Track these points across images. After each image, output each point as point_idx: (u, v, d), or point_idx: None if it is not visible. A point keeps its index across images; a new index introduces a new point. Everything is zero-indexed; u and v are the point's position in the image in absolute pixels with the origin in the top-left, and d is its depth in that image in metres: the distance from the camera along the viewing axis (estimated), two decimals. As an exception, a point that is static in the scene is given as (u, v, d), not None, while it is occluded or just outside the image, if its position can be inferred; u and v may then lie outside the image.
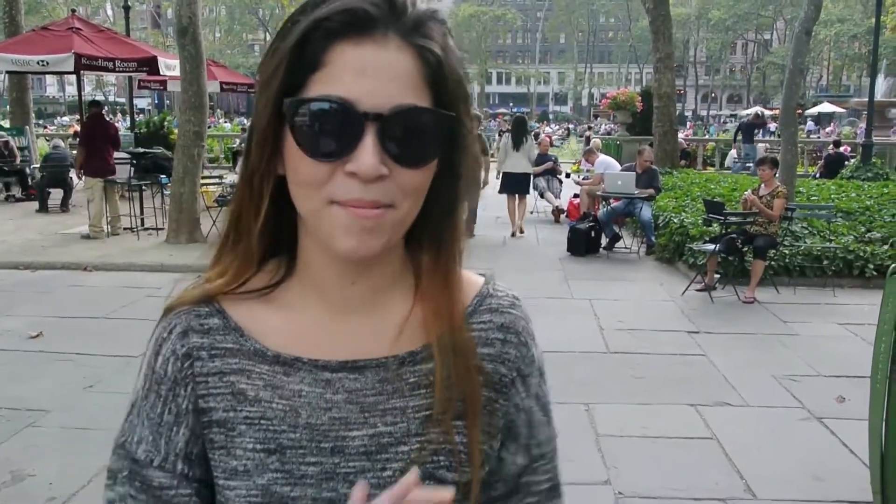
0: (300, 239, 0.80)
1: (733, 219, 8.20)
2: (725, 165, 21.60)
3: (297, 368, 0.79)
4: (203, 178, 11.38)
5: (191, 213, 10.31)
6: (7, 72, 13.68)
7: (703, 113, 75.36)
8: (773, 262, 8.40)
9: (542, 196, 13.50)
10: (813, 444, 4.53)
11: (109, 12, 61.07)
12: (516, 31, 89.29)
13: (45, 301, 7.57)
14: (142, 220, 11.49)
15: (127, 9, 18.57)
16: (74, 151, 13.25)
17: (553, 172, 13.67)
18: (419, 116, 0.71)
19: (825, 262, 8.55)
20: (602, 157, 12.74)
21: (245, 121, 38.16)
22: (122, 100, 52.65)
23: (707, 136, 35.98)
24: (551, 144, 17.53)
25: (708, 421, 4.80)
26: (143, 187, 11.85)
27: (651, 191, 10.52)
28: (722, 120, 66.66)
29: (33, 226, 11.90)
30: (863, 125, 23.60)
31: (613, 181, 10.67)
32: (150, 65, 12.01)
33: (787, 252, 8.60)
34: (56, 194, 13.64)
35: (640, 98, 18.14)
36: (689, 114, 70.04)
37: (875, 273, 8.41)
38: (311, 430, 0.78)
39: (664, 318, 7.27)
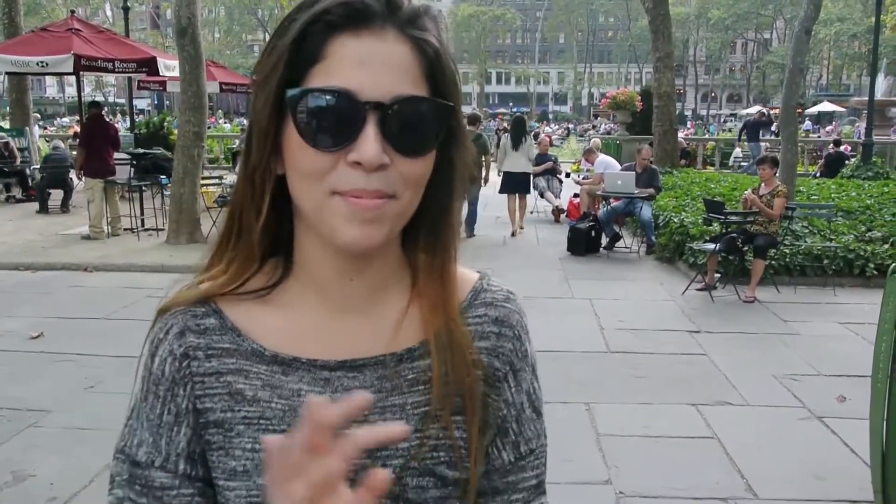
0: (298, 238, 0.81)
1: (733, 218, 8.20)
2: (730, 164, 21.48)
3: (295, 368, 0.79)
4: (203, 178, 11.38)
5: (191, 213, 10.31)
6: (6, 73, 13.69)
7: (703, 112, 75.33)
8: (773, 262, 8.40)
9: (541, 196, 13.50)
10: (814, 444, 4.53)
11: (108, 13, 61.09)
12: (516, 30, 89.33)
13: (45, 302, 7.57)
14: (142, 220, 11.49)
15: (126, 10, 18.59)
16: (74, 152, 13.25)
17: (553, 172, 13.68)
18: (419, 106, 0.72)
19: (826, 262, 8.55)
20: (602, 157, 12.75)
21: (245, 121, 38.08)
22: (122, 100, 52.63)
23: (707, 136, 35.95)
24: (551, 144, 17.51)
25: (709, 420, 4.80)
26: (143, 188, 11.85)
27: (651, 190, 10.51)
28: (722, 119, 66.68)
29: (33, 227, 11.89)
30: (861, 124, 23.62)
31: (613, 181, 10.68)
32: (149, 65, 12.02)
33: (787, 251, 8.60)
34: (56, 195, 13.64)
35: (639, 98, 18.15)
36: (688, 113, 70.03)
37: (875, 272, 8.41)
38: None
39: (665, 317, 7.27)
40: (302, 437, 0.58)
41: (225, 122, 40.13)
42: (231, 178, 11.56)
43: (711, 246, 8.18)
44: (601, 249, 10.52)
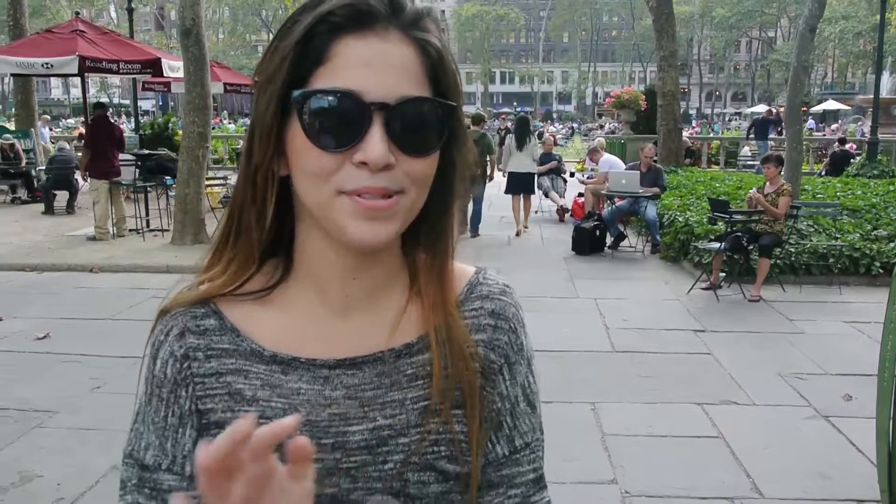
0: (299, 238, 0.81)
1: (738, 217, 8.19)
2: (738, 163, 21.36)
3: (294, 367, 0.80)
4: (208, 179, 11.39)
5: (196, 214, 10.33)
6: (12, 74, 13.73)
7: (708, 111, 75.19)
8: (778, 261, 8.38)
9: (546, 195, 13.50)
10: (820, 443, 4.52)
11: (113, 14, 61.26)
12: (519, 30, 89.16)
13: (51, 302, 7.59)
14: (147, 221, 11.51)
15: (130, 11, 18.62)
16: (79, 153, 13.29)
17: (557, 171, 13.67)
18: (423, 106, 0.73)
19: (831, 260, 8.53)
20: (606, 156, 12.75)
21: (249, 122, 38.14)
22: (127, 102, 52.76)
23: (712, 135, 35.88)
24: (555, 143, 17.51)
25: (714, 420, 4.79)
26: (148, 189, 11.88)
27: (656, 189, 10.50)
28: (726, 118, 66.56)
29: (39, 228, 11.93)
30: (867, 122, 23.52)
31: (618, 180, 10.67)
32: (153, 66, 12.04)
33: (792, 250, 8.58)
34: (62, 196, 13.69)
35: (643, 97, 18.14)
36: (693, 112, 69.90)
37: (881, 271, 8.40)
38: (311, 427, 0.78)
39: (670, 316, 7.26)
40: (220, 450, 0.58)
41: (229, 123, 40.20)
42: (236, 178, 11.55)
43: (716, 245, 8.17)
44: (606, 249, 10.51)
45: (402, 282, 0.84)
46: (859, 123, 32.52)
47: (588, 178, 13.58)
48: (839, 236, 8.93)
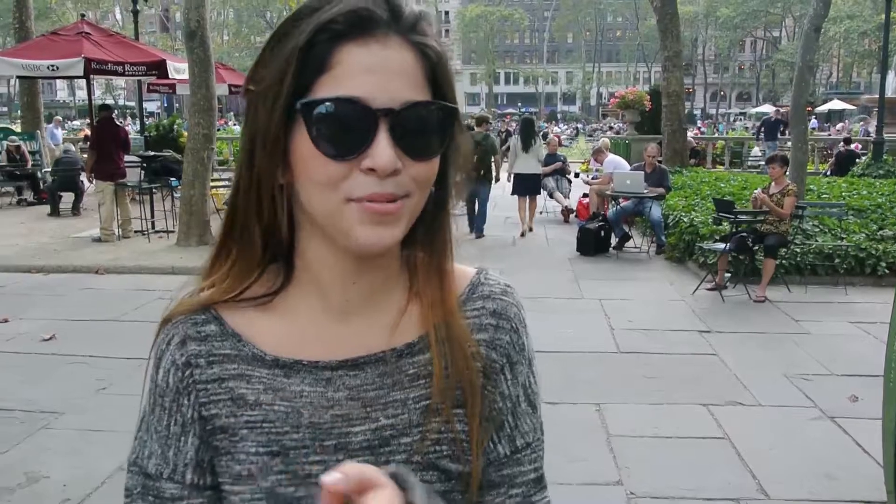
0: (301, 243, 0.81)
1: (744, 217, 8.17)
2: (749, 164, 21.26)
3: (296, 370, 0.80)
4: (213, 180, 11.41)
5: (201, 215, 10.34)
6: (18, 77, 13.77)
7: (713, 111, 75.07)
8: (784, 261, 8.36)
9: (551, 196, 13.49)
10: (826, 444, 4.50)
11: (118, 17, 61.38)
12: (523, 31, 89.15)
13: (57, 304, 7.61)
14: (152, 223, 11.54)
15: (136, 13, 18.69)
16: (85, 155, 13.32)
17: (562, 172, 13.67)
18: (426, 110, 0.74)
19: (837, 261, 8.51)
20: (611, 157, 12.73)
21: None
22: (132, 103, 52.91)
23: (717, 135, 35.80)
24: (560, 144, 17.47)
25: (720, 420, 4.78)
26: (154, 190, 11.91)
27: (661, 190, 10.49)
28: (731, 118, 66.45)
29: (45, 229, 11.96)
30: (873, 122, 23.41)
31: (622, 180, 10.65)
32: (159, 68, 12.06)
33: (798, 250, 8.57)
34: (67, 198, 13.72)
35: (648, 97, 18.08)
36: (697, 112, 69.78)
37: (887, 271, 8.38)
38: (314, 429, 0.78)
39: (675, 317, 7.25)
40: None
41: (234, 125, 40.26)
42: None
43: (722, 245, 8.16)
44: (611, 249, 10.50)
45: (402, 283, 0.85)
46: (861, 123, 32.39)
47: (593, 178, 13.57)
48: (845, 236, 8.90)
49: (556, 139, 16.32)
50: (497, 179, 11.96)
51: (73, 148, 15.68)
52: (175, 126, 17.91)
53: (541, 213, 13.22)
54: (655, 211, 10.27)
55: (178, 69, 12.14)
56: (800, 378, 5.55)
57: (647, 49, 69.01)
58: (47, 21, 38.53)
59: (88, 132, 16.68)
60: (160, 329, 0.83)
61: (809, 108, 24.14)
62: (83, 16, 14.99)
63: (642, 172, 10.59)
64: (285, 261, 0.83)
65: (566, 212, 13.39)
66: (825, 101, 49.22)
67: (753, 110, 57.04)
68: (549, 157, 13.26)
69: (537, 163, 12.03)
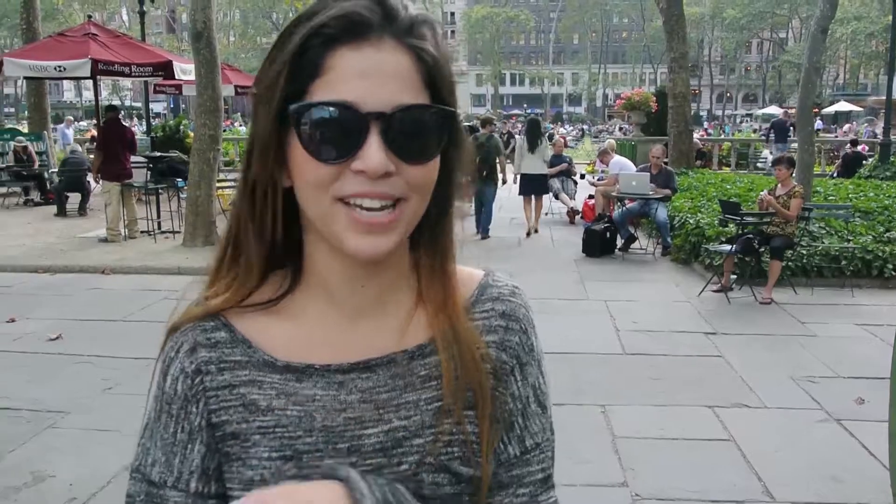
0: (307, 247, 0.81)
1: (750, 219, 8.15)
2: (759, 166, 21.15)
3: (308, 374, 0.80)
4: (219, 181, 11.43)
5: (207, 216, 10.37)
6: (25, 77, 13.82)
7: (719, 112, 74.92)
8: (790, 263, 8.34)
9: (556, 197, 13.49)
10: (831, 446, 4.49)
11: (125, 18, 61.60)
12: (529, 32, 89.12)
13: (63, 304, 7.64)
14: (158, 223, 11.57)
15: (142, 14, 18.73)
16: (91, 156, 13.36)
17: (568, 173, 13.67)
18: (420, 114, 0.74)
19: (843, 263, 8.48)
20: (617, 158, 12.72)
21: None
22: (138, 104, 53.04)
23: (723, 136, 35.74)
24: (566, 145, 17.47)
25: (725, 422, 4.77)
26: (160, 191, 11.94)
27: (667, 191, 10.47)
28: (738, 120, 66.28)
29: (52, 229, 12.01)
30: (880, 123, 23.34)
31: (628, 182, 10.64)
32: (165, 69, 12.09)
33: (804, 252, 8.54)
34: (74, 198, 13.78)
35: (654, 98, 18.05)
36: (704, 113, 69.65)
37: (894, 273, 8.35)
38: (327, 432, 0.78)
39: (680, 319, 7.24)
40: None
41: (241, 125, 40.33)
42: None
43: (727, 247, 8.14)
44: (616, 251, 10.49)
45: (410, 285, 0.85)
46: (865, 125, 32.29)
47: (598, 179, 13.55)
48: (851, 238, 8.87)
49: (562, 140, 16.31)
50: (504, 181, 11.99)
51: (79, 148, 15.73)
52: (181, 127, 17.96)
53: (546, 214, 13.22)
54: (661, 212, 10.25)
55: (185, 70, 12.17)
56: (806, 380, 5.53)
57: (653, 50, 68.92)
58: (54, 22, 38.65)
59: (95, 133, 16.75)
60: (167, 338, 0.83)
61: (816, 110, 24.06)
62: (90, 17, 15.07)
63: (648, 174, 10.58)
64: (294, 265, 0.83)
65: (572, 213, 13.38)
66: (832, 103, 49.10)
67: (760, 112, 56.90)
68: (555, 158, 13.26)
69: (543, 163, 12.07)
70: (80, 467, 4.10)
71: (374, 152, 0.71)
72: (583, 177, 15.21)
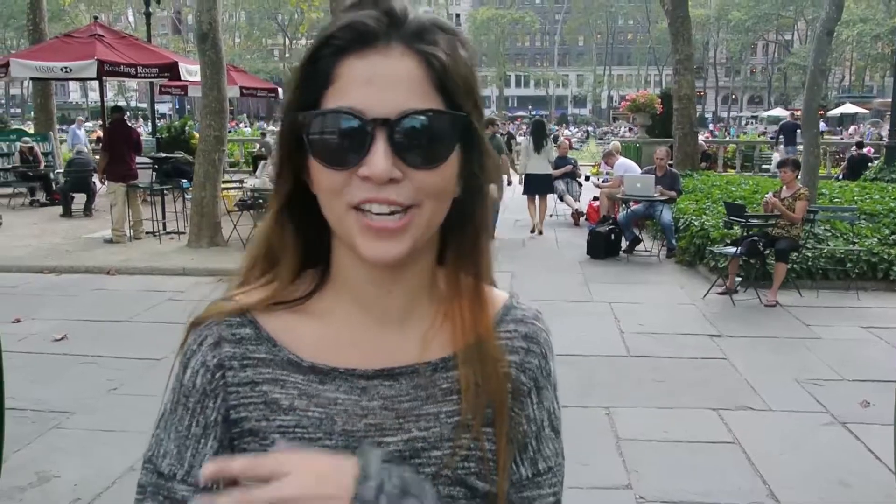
0: (334, 250, 0.82)
1: (755, 221, 8.14)
2: (770, 170, 21.03)
3: (332, 377, 0.81)
4: (224, 182, 11.46)
5: (212, 217, 10.39)
6: (31, 78, 13.86)
7: (724, 115, 74.79)
8: (795, 265, 8.32)
9: (561, 199, 13.50)
10: (837, 449, 4.48)
11: (131, 19, 61.69)
12: (534, 33, 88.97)
13: (69, 304, 7.65)
14: (163, 224, 11.60)
15: (148, 15, 18.77)
16: (97, 156, 13.39)
17: (572, 175, 13.66)
18: (427, 119, 0.73)
19: (848, 265, 8.46)
20: (621, 160, 12.71)
21: (265, 125, 38.43)
22: (144, 105, 53.15)
23: (728, 138, 35.66)
24: (570, 147, 17.46)
25: (730, 425, 4.76)
26: (165, 192, 11.97)
27: (672, 193, 10.45)
28: (743, 122, 66.15)
29: (57, 230, 12.04)
30: (885, 125, 23.25)
31: (633, 184, 10.63)
32: (171, 70, 12.12)
33: (809, 255, 8.52)
34: (79, 199, 13.81)
35: (659, 100, 18.04)
36: (709, 115, 69.52)
37: (900, 276, 8.31)
38: (347, 437, 0.79)
39: (685, 321, 7.22)
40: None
41: (245, 127, 40.40)
42: (251, 181, 11.64)
43: (732, 249, 8.12)
44: (621, 253, 10.47)
45: (440, 297, 0.85)
46: (868, 127, 32.18)
47: (603, 181, 13.54)
48: (857, 241, 8.85)
49: (567, 142, 16.32)
50: (510, 183, 12.02)
51: (85, 149, 15.78)
52: (186, 128, 18.01)
53: (551, 216, 13.22)
54: (666, 214, 10.25)
55: (190, 71, 12.20)
56: (811, 383, 5.51)
57: (659, 52, 68.84)
58: (61, 23, 38.75)
59: (101, 134, 16.79)
60: (189, 331, 0.84)
61: (822, 112, 23.97)
62: (96, 18, 15.07)
63: (653, 176, 10.57)
64: (324, 264, 0.84)
65: (576, 215, 13.37)
66: (837, 105, 48.99)
67: (765, 114, 56.80)
68: (560, 159, 13.30)
69: (548, 164, 12.14)
70: (85, 468, 4.11)
71: (378, 158, 0.71)
72: (587, 178, 15.20)
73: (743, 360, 5.99)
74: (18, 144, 15.32)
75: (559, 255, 10.64)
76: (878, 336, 6.67)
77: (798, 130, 20.63)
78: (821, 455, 4.39)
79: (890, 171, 16.61)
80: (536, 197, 12.04)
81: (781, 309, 7.62)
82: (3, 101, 60.62)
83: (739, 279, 8.25)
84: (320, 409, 0.79)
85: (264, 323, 0.82)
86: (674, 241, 10.19)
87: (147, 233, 11.35)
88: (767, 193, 8.50)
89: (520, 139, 16.70)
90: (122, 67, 11.60)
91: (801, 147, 19.60)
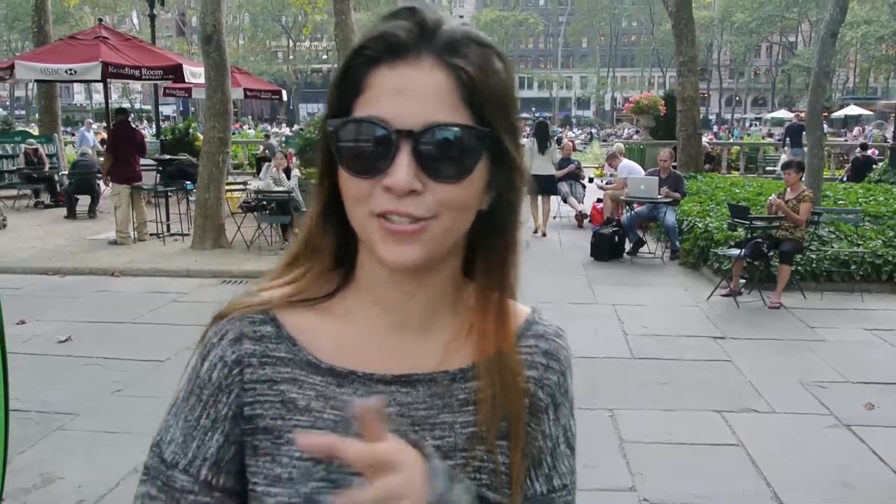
0: (359, 253, 0.83)
1: (759, 223, 8.13)
2: (776, 172, 20.98)
3: (350, 381, 0.81)
4: (228, 184, 11.48)
5: (215, 218, 10.41)
6: (36, 80, 13.91)
7: (728, 116, 74.70)
8: (799, 267, 8.31)
9: (564, 201, 13.50)
10: (841, 452, 4.47)
11: (135, 21, 61.84)
12: (538, 35, 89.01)
13: (73, 306, 7.67)
14: (167, 225, 11.62)
15: (153, 17, 18.81)
16: (101, 158, 13.43)
17: (576, 177, 13.66)
18: (451, 133, 0.73)
19: (853, 267, 8.45)
20: (625, 162, 12.70)
21: (269, 127, 38.47)
22: (148, 107, 53.23)
23: (732, 140, 35.64)
24: (574, 149, 17.45)
25: (734, 427, 4.75)
26: (169, 193, 11.99)
27: (676, 195, 10.45)
28: (747, 123, 66.07)
29: (62, 232, 12.07)
30: (883, 128, 23.22)
31: (637, 186, 10.63)
32: (175, 72, 12.14)
33: (813, 257, 8.51)
34: (84, 201, 13.86)
35: (663, 102, 18.01)
36: (713, 117, 69.45)
37: (904, 278, 8.29)
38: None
39: (689, 323, 7.22)
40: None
41: (249, 129, 40.46)
42: (255, 183, 11.66)
43: (736, 251, 8.11)
44: (625, 255, 10.47)
45: (463, 308, 0.85)
46: (869, 128, 32.09)
47: (607, 183, 13.54)
48: (861, 243, 8.83)
49: (571, 144, 16.32)
50: None
51: (89, 151, 15.81)
52: (190, 130, 18.03)
53: (554, 217, 13.23)
54: (670, 216, 10.24)
55: (194, 73, 12.23)
56: (815, 385, 5.51)
57: (662, 54, 68.80)
58: (65, 25, 38.85)
59: (105, 136, 16.83)
60: (211, 324, 0.84)
61: (826, 114, 23.94)
62: (100, 20, 15.11)
63: (657, 177, 10.56)
64: (349, 265, 0.85)
65: (580, 217, 13.37)
66: (842, 107, 48.90)
67: (769, 115, 56.75)
68: (563, 161, 13.31)
69: (552, 165, 12.20)
70: (89, 469, 4.11)
71: (401, 170, 0.71)
72: (591, 180, 15.19)
73: (747, 363, 5.99)
74: (23, 146, 15.38)
75: (563, 256, 10.64)
76: (882, 338, 6.66)
77: (804, 132, 20.65)
78: (825, 457, 4.38)
79: (894, 173, 16.57)
80: (539, 197, 12.05)
81: (785, 311, 7.61)
82: (7, 103, 60.76)
83: (743, 281, 8.24)
84: (336, 412, 0.79)
85: (285, 321, 0.83)
86: (677, 243, 10.18)
87: (151, 234, 11.38)
88: (772, 195, 8.49)
89: (523, 140, 16.69)
90: (126, 69, 11.63)
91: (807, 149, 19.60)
